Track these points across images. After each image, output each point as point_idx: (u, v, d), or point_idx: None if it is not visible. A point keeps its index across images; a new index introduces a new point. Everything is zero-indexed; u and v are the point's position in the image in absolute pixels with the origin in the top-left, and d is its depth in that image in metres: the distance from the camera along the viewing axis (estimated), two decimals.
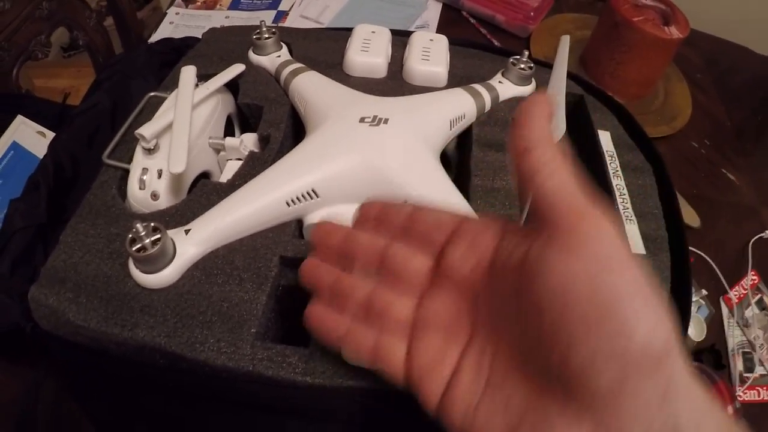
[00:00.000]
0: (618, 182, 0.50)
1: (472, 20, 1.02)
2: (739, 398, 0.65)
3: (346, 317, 0.33)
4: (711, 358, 0.68)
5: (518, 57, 0.58)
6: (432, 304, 0.31)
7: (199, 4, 1.00)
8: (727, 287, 0.74)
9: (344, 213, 0.45)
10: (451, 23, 1.02)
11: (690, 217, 0.79)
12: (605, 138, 0.54)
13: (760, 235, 0.80)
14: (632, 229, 0.47)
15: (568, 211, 0.25)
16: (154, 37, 0.93)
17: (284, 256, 0.43)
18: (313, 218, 0.46)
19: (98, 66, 1.08)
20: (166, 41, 0.68)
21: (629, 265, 0.23)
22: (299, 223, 0.47)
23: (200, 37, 0.66)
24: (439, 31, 0.99)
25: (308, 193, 0.44)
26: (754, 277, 0.76)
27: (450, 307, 0.30)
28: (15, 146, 0.70)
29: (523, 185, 0.27)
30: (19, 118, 0.72)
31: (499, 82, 0.58)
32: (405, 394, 0.33)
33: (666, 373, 0.22)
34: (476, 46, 0.65)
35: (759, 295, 0.75)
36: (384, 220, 0.34)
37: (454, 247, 0.30)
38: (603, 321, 0.22)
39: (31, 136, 0.72)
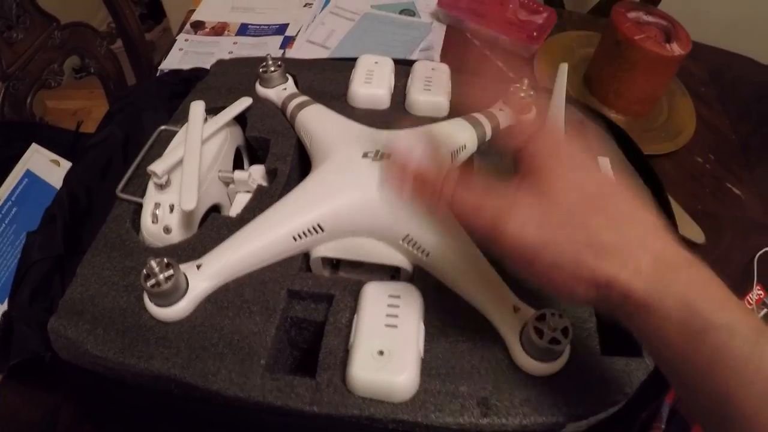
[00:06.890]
0: None
1: (476, 42, 1.03)
2: None
3: None
4: None
5: (518, 85, 0.58)
6: None
7: (207, 30, 1.02)
8: None
9: (350, 246, 0.47)
10: (455, 45, 1.02)
11: (695, 233, 0.79)
12: (605, 164, 0.55)
13: (765, 249, 0.79)
14: None
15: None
16: (164, 64, 0.94)
17: (291, 289, 0.45)
18: (318, 252, 0.47)
19: (109, 92, 1.10)
20: (176, 73, 0.70)
21: None
22: (306, 256, 0.48)
23: (208, 67, 0.68)
24: (443, 52, 0.99)
25: (314, 228, 0.45)
26: (760, 292, 0.76)
27: None
28: (29, 174, 0.72)
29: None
30: (33, 147, 0.73)
31: (500, 110, 0.58)
32: (409, 422, 0.37)
33: None
34: (478, 73, 0.66)
35: (765, 310, 0.75)
36: None
37: None
38: None
39: (45, 165, 0.74)
